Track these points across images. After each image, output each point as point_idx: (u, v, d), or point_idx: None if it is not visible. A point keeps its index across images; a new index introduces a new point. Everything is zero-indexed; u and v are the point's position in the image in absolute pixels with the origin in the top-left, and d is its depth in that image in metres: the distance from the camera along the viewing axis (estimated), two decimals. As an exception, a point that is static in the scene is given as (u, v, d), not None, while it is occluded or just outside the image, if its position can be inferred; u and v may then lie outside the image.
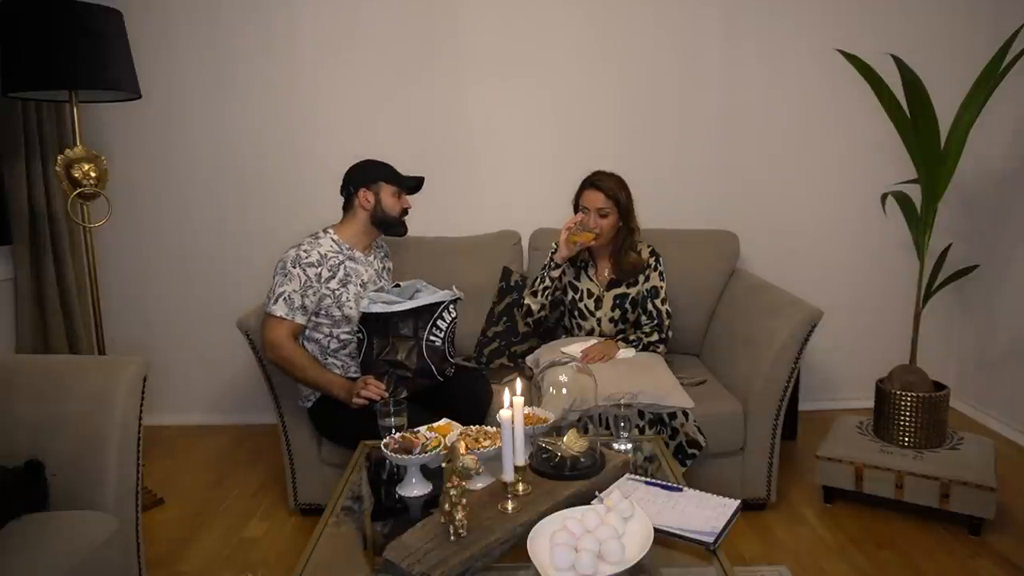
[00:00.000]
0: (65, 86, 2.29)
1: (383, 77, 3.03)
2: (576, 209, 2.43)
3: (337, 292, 2.12)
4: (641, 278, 2.45)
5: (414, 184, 2.26)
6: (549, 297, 2.44)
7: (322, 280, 2.09)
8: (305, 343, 2.17)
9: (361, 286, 2.18)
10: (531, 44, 3.02)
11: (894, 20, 2.99)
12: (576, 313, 2.50)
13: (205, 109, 3.04)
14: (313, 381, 2.12)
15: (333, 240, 2.17)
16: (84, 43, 2.23)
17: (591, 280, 2.48)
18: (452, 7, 2.99)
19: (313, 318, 2.13)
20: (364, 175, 2.19)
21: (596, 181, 2.38)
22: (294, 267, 2.07)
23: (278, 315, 2.06)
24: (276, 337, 2.07)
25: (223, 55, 3.00)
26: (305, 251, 2.09)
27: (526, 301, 2.49)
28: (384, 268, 2.35)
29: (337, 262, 2.14)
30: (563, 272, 2.46)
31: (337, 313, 2.13)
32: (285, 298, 2.06)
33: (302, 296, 2.07)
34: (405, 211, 2.24)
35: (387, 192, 2.18)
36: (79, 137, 2.39)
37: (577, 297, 2.49)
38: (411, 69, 3.03)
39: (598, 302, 2.47)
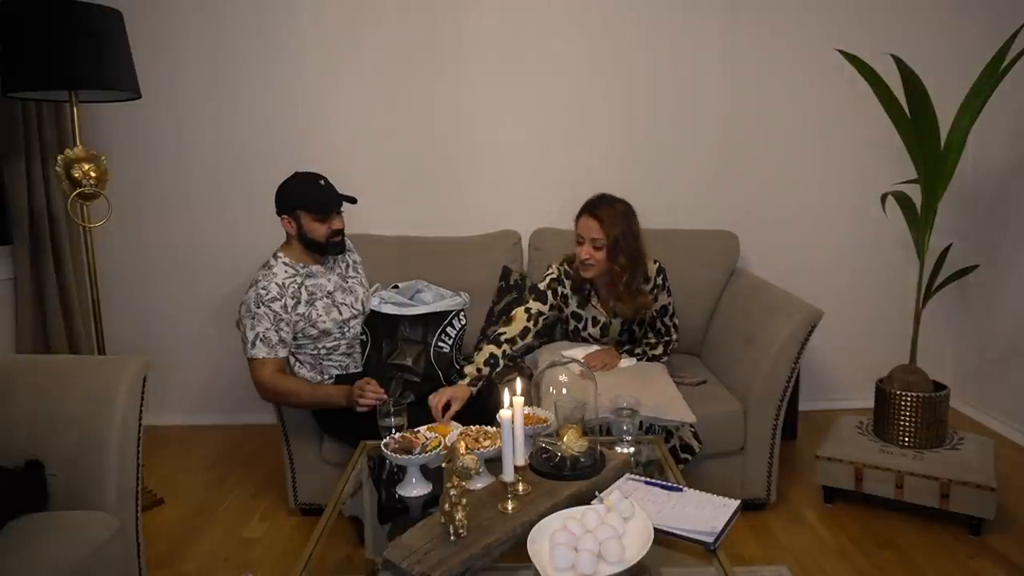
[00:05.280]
0: (65, 86, 2.29)
1: (384, 77, 3.03)
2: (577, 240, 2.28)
3: (307, 314, 2.10)
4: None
5: (336, 206, 2.10)
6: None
7: (289, 310, 2.06)
8: (297, 360, 2.17)
9: (328, 296, 2.15)
10: (532, 44, 3.02)
11: (894, 20, 2.99)
12: (579, 341, 2.46)
13: (205, 109, 3.04)
14: (312, 402, 2.13)
15: (285, 264, 2.11)
16: (84, 43, 2.23)
17: (596, 308, 2.39)
18: (454, 8, 2.99)
19: (293, 342, 2.12)
20: (281, 202, 2.09)
21: (594, 208, 2.21)
22: (259, 307, 2.03)
23: (260, 356, 2.04)
24: (263, 378, 2.06)
25: (223, 55, 3.00)
26: (264, 288, 2.05)
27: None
28: (349, 266, 2.29)
29: (297, 285, 2.09)
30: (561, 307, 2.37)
31: (314, 331, 2.12)
32: (261, 338, 2.04)
33: (277, 331, 2.05)
34: (333, 233, 2.10)
35: (307, 219, 2.07)
36: (79, 137, 2.39)
37: (581, 326, 2.42)
38: (412, 69, 3.03)
39: (604, 329, 2.41)
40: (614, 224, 2.19)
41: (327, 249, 2.14)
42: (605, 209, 2.21)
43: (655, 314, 2.41)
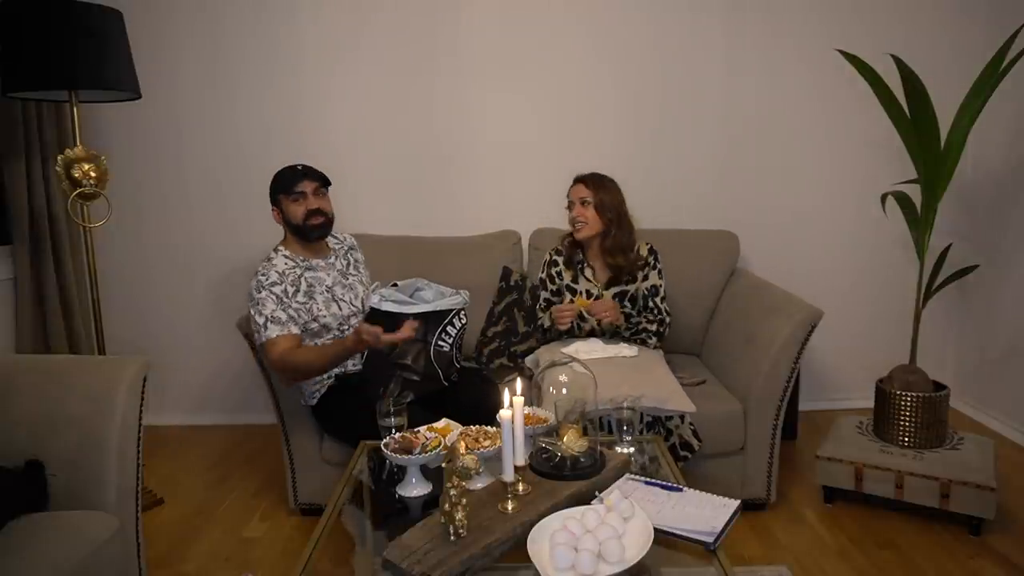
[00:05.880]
0: (65, 86, 2.29)
1: (384, 77, 3.03)
2: (569, 207, 2.46)
3: (307, 305, 2.11)
4: (640, 275, 2.45)
5: (304, 181, 2.12)
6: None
7: (289, 296, 2.08)
8: None
9: (327, 291, 2.16)
10: (531, 44, 3.02)
11: (894, 20, 2.99)
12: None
13: (205, 109, 3.04)
14: (331, 361, 2.08)
15: (285, 256, 2.15)
16: (84, 43, 2.24)
17: (589, 281, 2.47)
18: (453, 7, 2.99)
19: None
20: (270, 194, 2.17)
21: (579, 176, 2.46)
22: (260, 292, 2.05)
23: (274, 336, 2.03)
24: (278, 355, 2.03)
25: (223, 55, 3.00)
26: (263, 275, 2.07)
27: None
28: (350, 263, 2.31)
29: (296, 275, 2.12)
30: (558, 275, 2.53)
31: (315, 325, 2.12)
32: (271, 319, 2.04)
33: (284, 311, 2.06)
34: (312, 212, 2.12)
35: (286, 202, 2.13)
36: (79, 137, 2.39)
37: (575, 299, 2.48)
38: (412, 69, 3.03)
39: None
40: (600, 187, 2.43)
41: (307, 232, 2.14)
42: (592, 177, 2.46)
43: (646, 292, 2.45)
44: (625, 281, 2.46)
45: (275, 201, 2.16)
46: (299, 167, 2.16)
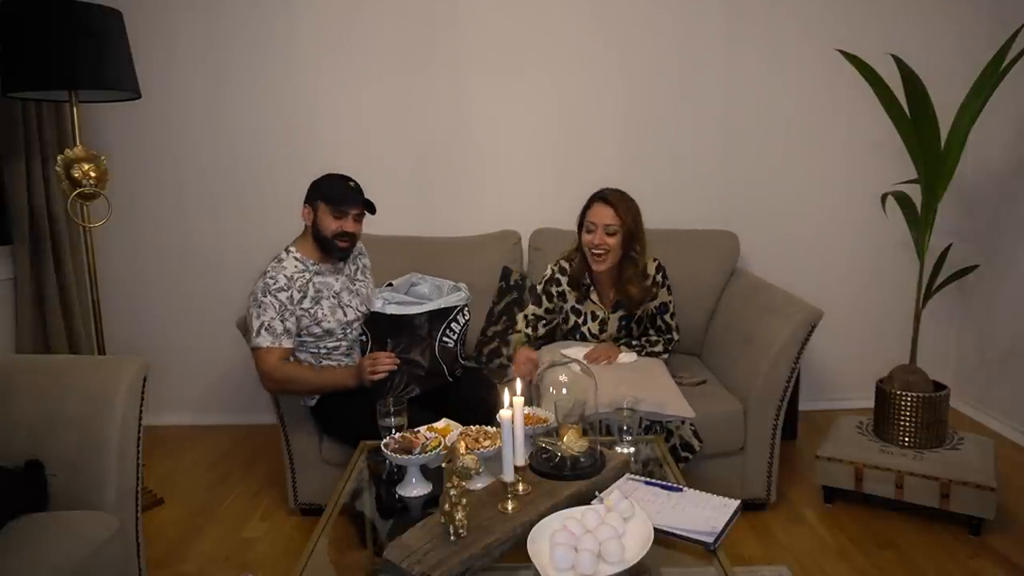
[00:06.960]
0: (65, 86, 2.29)
1: (383, 77, 3.03)
2: (581, 225, 2.32)
3: (312, 311, 2.10)
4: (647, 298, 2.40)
5: (353, 204, 2.11)
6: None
7: (295, 302, 2.07)
8: (295, 357, 2.16)
9: (335, 297, 2.16)
10: (532, 44, 3.02)
11: (894, 20, 2.99)
12: (579, 336, 2.45)
13: (205, 109, 3.04)
14: (319, 387, 2.13)
15: (296, 259, 2.13)
16: (84, 43, 2.23)
17: (595, 304, 2.40)
18: (453, 6, 2.99)
19: (296, 338, 2.12)
20: (310, 191, 2.15)
21: (606, 196, 2.25)
22: (265, 296, 2.04)
23: (264, 346, 2.03)
24: (267, 368, 2.04)
25: (222, 55, 3.00)
26: (272, 278, 2.06)
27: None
28: (358, 269, 2.31)
29: (305, 280, 2.11)
30: (561, 299, 2.42)
31: (317, 330, 2.12)
32: (266, 327, 2.03)
33: (282, 321, 2.05)
34: (342, 234, 2.10)
35: (323, 211, 2.10)
36: (79, 137, 2.39)
37: (580, 321, 2.42)
38: (411, 69, 3.03)
39: (603, 324, 2.41)
40: (628, 211, 2.24)
41: (330, 248, 2.14)
42: (616, 196, 2.25)
43: (654, 311, 2.42)
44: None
45: (312, 201, 2.12)
46: (352, 183, 2.13)
